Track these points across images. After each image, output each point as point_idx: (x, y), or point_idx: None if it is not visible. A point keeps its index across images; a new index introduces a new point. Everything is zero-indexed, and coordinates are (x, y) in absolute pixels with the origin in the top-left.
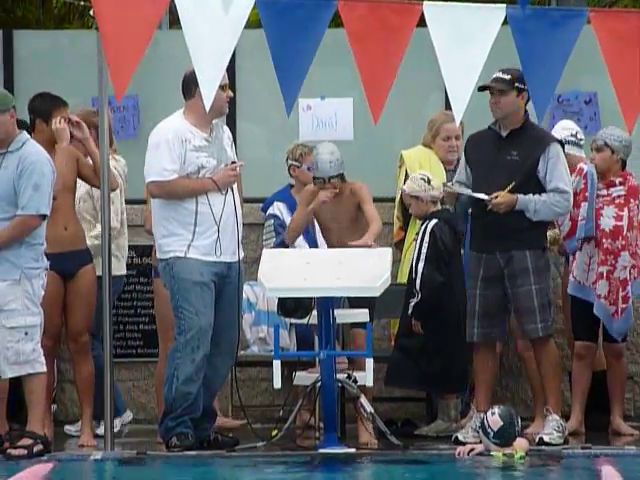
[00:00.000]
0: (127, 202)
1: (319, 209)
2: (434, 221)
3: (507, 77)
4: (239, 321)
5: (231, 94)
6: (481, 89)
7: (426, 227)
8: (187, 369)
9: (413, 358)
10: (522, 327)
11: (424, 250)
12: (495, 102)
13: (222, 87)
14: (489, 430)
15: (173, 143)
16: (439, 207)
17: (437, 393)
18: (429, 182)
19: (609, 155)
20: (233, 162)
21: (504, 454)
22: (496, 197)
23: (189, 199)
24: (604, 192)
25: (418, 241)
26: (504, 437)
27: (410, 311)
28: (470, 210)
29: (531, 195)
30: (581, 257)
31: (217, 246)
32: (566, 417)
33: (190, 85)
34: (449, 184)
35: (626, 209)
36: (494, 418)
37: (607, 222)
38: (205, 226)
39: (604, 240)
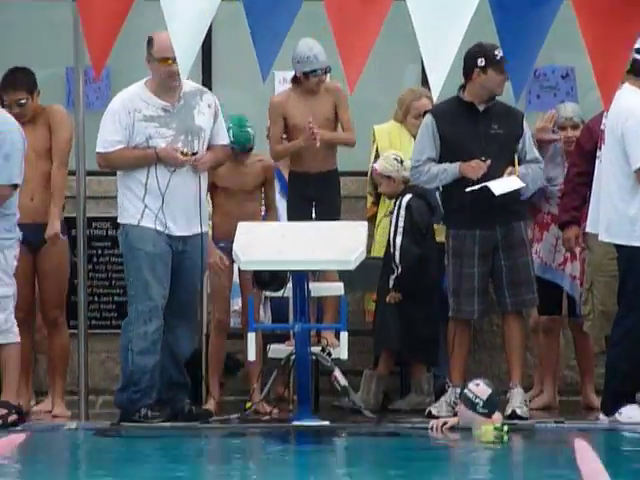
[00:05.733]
0: (104, 174)
1: (294, 111)
2: (408, 195)
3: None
4: (201, 293)
5: (175, 69)
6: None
7: (401, 202)
8: (141, 342)
9: (396, 323)
10: (518, 298)
11: (401, 224)
12: (504, 79)
13: (160, 60)
14: (477, 400)
15: (119, 113)
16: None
17: (418, 360)
18: (402, 162)
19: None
20: (194, 154)
21: (495, 427)
22: (511, 173)
23: (140, 170)
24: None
25: (394, 216)
26: (493, 405)
27: (391, 285)
28: (444, 188)
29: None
30: (548, 239)
31: (163, 219)
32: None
33: (148, 52)
34: (475, 187)
35: None
36: (481, 388)
37: None
38: (152, 198)
39: None
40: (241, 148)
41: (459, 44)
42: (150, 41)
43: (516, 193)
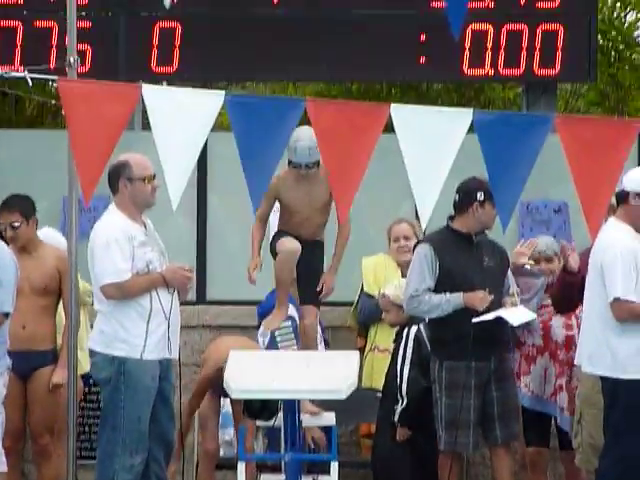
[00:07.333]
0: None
1: (289, 194)
2: (415, 327)
3: None
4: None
5: (156, 185)
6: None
7: (408, 332)
8: (126, 474)
9: (407, 459)
10: (508, 430)
11: (409, 355)
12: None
13: (144, 179)
14: None
15: (122, 242)
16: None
17: None
18: None
19: (557, 265)
20: (188, 269)
21: None
22: (514, 304)
23: (143, 296)
24: (549, 302)
25: (402, 346)
26: None
27: (397, 418)
28: (435, 319)
29: None
30: (537, 370)
31: (168, 343)
32: None
33: (113, 180)
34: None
35: (574, 317)
36: None
37: (558, 333)
38: (156, 323)
39: (558, 352)
40: None
41: (447, 173)
42: (125, 164)
43: (507, 327)
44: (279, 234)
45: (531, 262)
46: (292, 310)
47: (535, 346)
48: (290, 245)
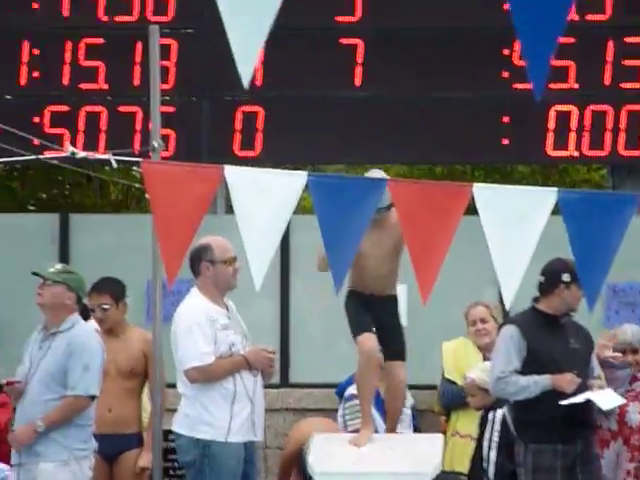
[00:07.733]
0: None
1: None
2: (501, 410)
3: None
4: None
5: (238, 267)
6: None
7: (494, 415)
8: None
9: None
10: None
11: (495, 439)
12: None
13: (226, 262)
14: None
15: (205, 325)
16: None
17: None
18: None
19: None
20: (271, 352)
21: None
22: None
23: (227, 379)
24: (627, 387)
25: (488, 430)
26: None
27: None
28: (520, 402)
29: None
30: (609, 456)
31: (252, 425)
32: None
33: (195, 263)
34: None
35: None
36: None
37: (633, 418)
38: (240, 405)
39: (632, 437)
40: None
41: (531, 254)
42: (207, 247)
43: (593, 407)
44: (352, 295)
45: (617, 355)
46: None
47: (610, 431)
48: (370, 344)
